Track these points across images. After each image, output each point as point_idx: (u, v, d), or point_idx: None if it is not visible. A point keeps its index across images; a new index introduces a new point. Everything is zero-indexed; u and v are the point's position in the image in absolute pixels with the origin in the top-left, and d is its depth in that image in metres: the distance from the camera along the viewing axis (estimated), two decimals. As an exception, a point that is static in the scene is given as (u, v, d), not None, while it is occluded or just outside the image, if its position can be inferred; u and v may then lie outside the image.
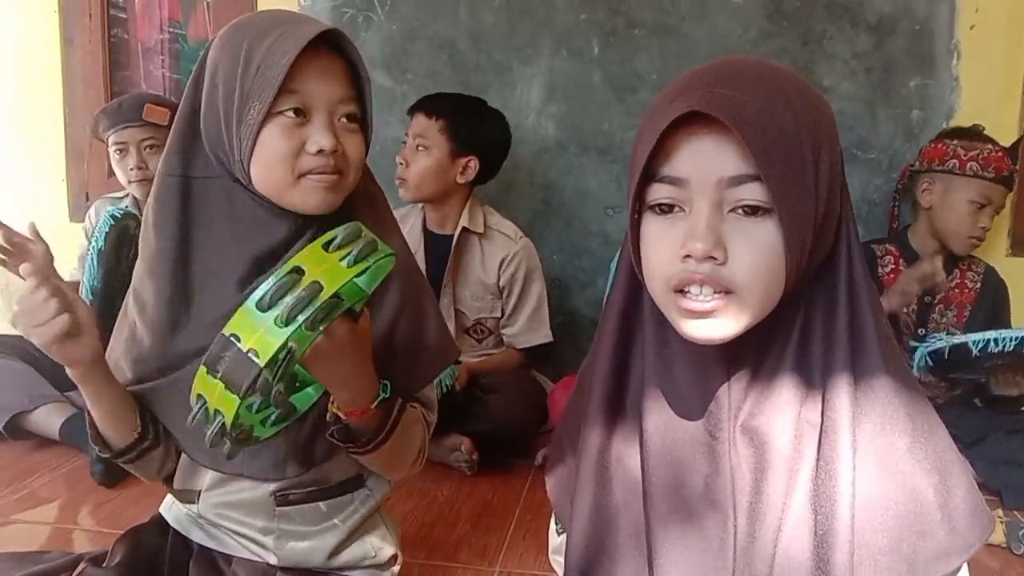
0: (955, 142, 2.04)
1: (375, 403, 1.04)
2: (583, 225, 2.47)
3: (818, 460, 0.72)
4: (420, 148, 2.10)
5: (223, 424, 0.88)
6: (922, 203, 2.08)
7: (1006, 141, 2.20)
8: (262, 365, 0.83)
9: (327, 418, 1.07)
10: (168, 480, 1.21)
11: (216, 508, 1.19)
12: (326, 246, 0.88)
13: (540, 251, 2.36)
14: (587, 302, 2.49)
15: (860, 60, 2.29)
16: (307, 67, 1.01)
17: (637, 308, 0.81)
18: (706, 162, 0.69)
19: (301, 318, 0.83)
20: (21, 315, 0.98)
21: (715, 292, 0.69)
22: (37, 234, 2.04)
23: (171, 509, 1.26)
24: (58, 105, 2.65)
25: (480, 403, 2.00)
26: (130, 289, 1.17)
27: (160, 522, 1.27)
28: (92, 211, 2.34)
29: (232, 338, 0.85)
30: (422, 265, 2.15)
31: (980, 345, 1.77)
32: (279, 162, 1.02)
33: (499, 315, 2.22)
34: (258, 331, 0.84)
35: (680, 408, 0.77)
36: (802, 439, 0.73)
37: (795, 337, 0.74)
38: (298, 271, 0.86)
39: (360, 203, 1.13)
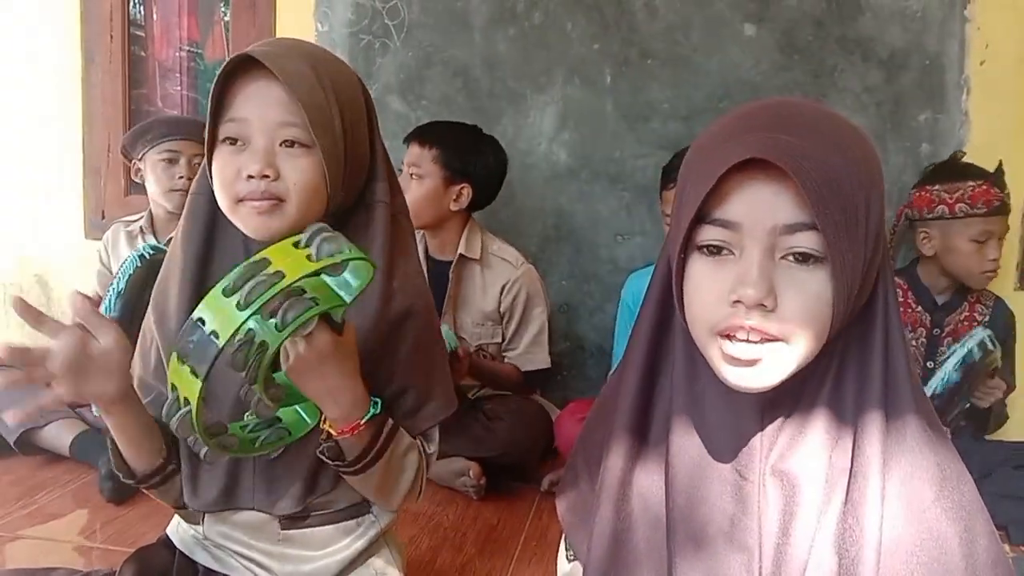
0: (937, 187, 2.03)
1: (365, 418, 1.05)
2: (593, 251, 2.48)
3: (846, 504, 0.71)
4: (414, 176, 2.11)
5: (190, 414, 0.91)
6: (925, 252, 2.07)
7: (1018, 176, 2.21)
8: (221, 346, 0.86)
9: (320, 436, 1.08)
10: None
11: (220, 530, 1.20)
12: (295, 244, 0.92)
13: (549, 277, 2.39)
14: (595, 328, 2.50)
15: (871, 94, 2.31)
16: (244, 93, 1.03)
17: (666, 340, 0.80)
18: (762, 208, 0.68)
19: (259, 302, 0.86)
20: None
21: (761, 339, 0.68)
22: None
23: (177, 530, 1.27)
24: (77, 123, 2.69)
25: (486, 429, 2.01)
26: (150, 305, 1.19)
27: (167, 543, 1.27)
28: (108, 235, 2.36)
29: (199, 322, 0.88)
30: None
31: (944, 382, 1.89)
32: (221, 187, 1.05)
33: (500, 341, 2.22)
34: (221, 314, 0.87)
35: (710, 446, 0.76)
36: (832, 483, 0.72)
37: (830, 381, 0.74)
38: (264, 261, 0.89)
39: (380, 239, 1.12)
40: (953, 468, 0.73)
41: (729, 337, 0.69)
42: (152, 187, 2.24)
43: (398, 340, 1.13)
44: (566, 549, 0.93)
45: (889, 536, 0.70)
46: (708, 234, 0.70)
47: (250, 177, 1.02)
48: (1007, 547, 1.79)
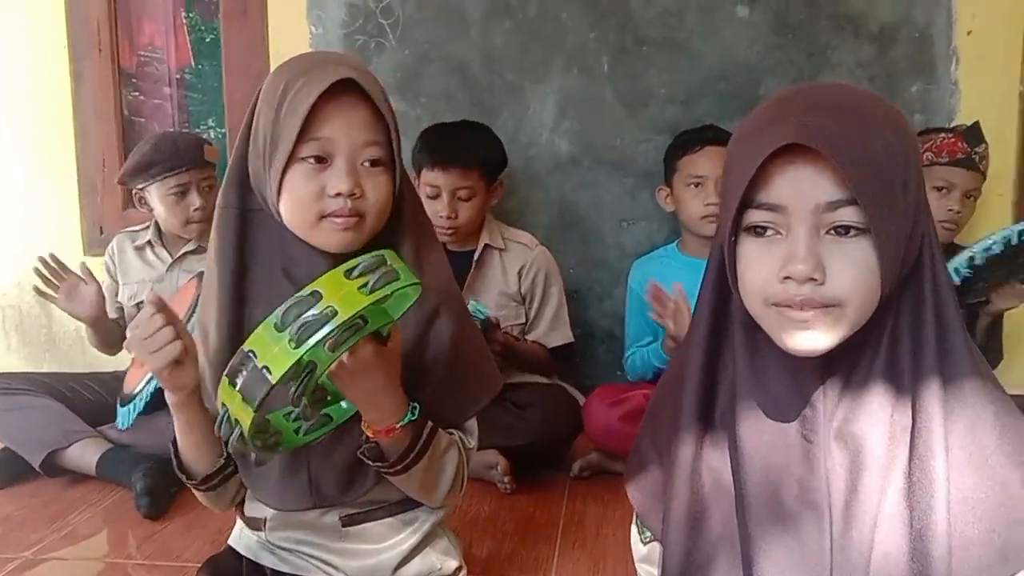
0: None
1: (401, 423, 1.08)
2: (599, 238, 2.51)
3: (911, 460, 0.75)
4: (463, 199, 2.14)
5: (241, 432, 0.93)
6: None
7: (1006, 141, 2.27)
8: (274, 382, 0.87)
9: (361, 438, 1.11)
10: (240, 504, 1.24)
11: (283, 533, 1.22)
12: (348, 273, 0.92)
13: (557, 265, 2.41)
14: (605, 314, 2.53)
15: (864, 68, 2.35)
16: (330, 113, 1.04)
17: (725, 320, 0.84)
18: (804, 189, 0.73)
19: (312, 341, 0.87)
20: (137, 340, 1.02)
21: (815, 308, 0.73)
22: (90, 274, 2.07)
23: (240, 539, 1.29)
24: (70, 140, 2.65)
25: (517, 418, 2.03)
26: (195, 319, 1.20)
27: (234, 552, 1.29)
28: (114, 245, 2.33)
29: (250, 353, 0.89)
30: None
31: (987, 249, 1.72)
32: (302, 204, 1.06)
33: (523, 322, 2.27)
34: (272, 349, 0.88)
35: (774, 414, 0.80)
36: (895, 441, 0.76)
37: (885, 342, 0.78)
38: (315, 295, 0.89)
39: (409, 234, 1.15)
40: (1009, 415, 0.78)
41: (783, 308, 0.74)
42: (167, 220, 2.19)
43: (436, 329, 1.16)
44: (639, 532, 0.96)
45: (956, 486, 0.74)
46: (755, 217, 0.75)
47: (338, 195, 1.05)
48: None
